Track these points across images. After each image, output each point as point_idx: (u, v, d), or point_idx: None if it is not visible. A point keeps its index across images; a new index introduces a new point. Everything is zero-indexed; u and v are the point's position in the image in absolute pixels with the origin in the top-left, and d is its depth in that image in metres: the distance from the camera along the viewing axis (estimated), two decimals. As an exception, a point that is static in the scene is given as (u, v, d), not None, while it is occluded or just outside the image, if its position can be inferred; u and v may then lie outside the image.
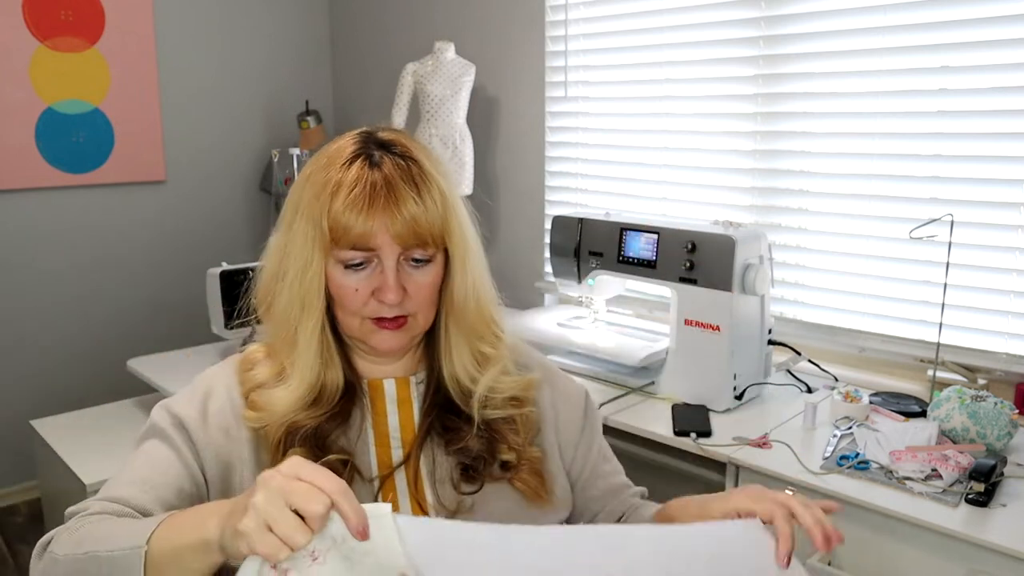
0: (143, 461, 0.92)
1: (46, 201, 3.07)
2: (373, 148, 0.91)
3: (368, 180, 0.87)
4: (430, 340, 1.00)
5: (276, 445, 0.91)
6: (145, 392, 2.25)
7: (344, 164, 0.89)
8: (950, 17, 1.86)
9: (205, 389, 0.97)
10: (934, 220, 1.79)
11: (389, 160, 0.89)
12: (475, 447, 0.95)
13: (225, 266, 2.21)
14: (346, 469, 0.91)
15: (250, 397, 0.94)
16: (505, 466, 0.96)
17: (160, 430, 0.94)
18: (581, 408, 1.07)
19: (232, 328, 2.20)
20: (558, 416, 1.04)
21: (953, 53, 1.86)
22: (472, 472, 0.94)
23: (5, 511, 3.09)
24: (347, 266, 0.89)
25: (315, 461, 0.86)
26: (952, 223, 1.75)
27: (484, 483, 0.94)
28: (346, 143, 0.92)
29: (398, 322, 0.92)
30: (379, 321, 0.92)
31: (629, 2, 2.48)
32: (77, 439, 2.02)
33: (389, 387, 0.98)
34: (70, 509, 0.89)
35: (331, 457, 0.90)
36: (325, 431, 0.92)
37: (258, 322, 0.99)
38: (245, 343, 2.24)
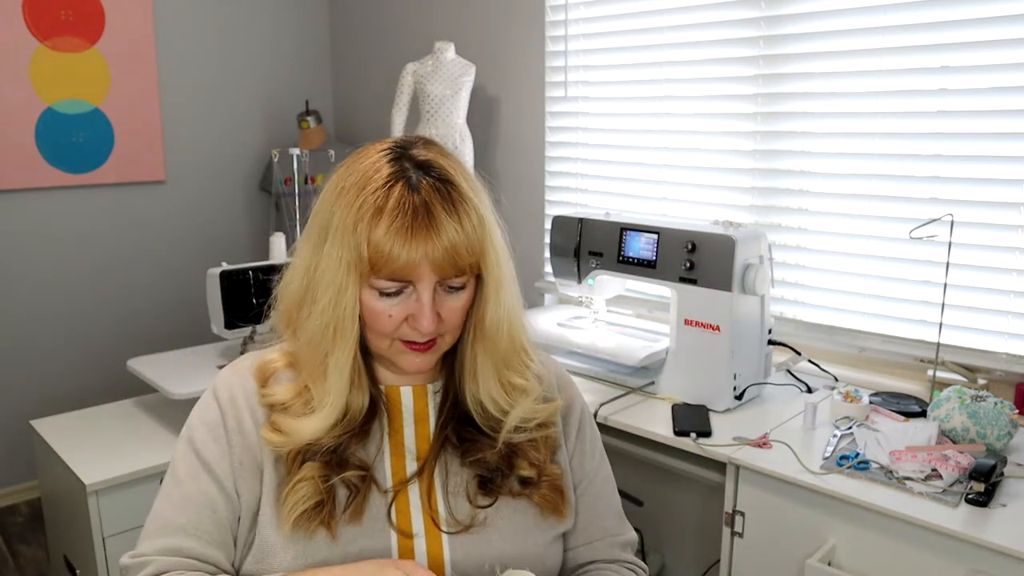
0: (184, 497, 0.91)
1: (46, 201, 3.07)
2: (410, 169, 0.87)
3: (409, 207, 0.84)
4: (450, 352, 0.98)
5: (293, 459, 0.90)
6: (145, 392, 2.25)
7: (383, 187, 0.85)
8: (950, 17, 1.86)
9: (227, 400, 0.94)
10: (934, 220, 1.79)
11: (427, 183, 0.86)
12: (493, 460, 0.95)
13: (225, 266, 2.20)
14: (364, 483, 0.91)
15: (273, 418, 0.92)
16: (524, 482, 0.96)
17: (193, 455, 0.93)
18: (576, 425, 1.07)
19: (232, 328, 2.20)
20: (567, 432, 1.06)
21: (953, 53, 1.86)
22: (490, 485, 0.94)
23: (5, 511, 3.09)
24: (382, 293, 0.87)
25: (333, 476, 0.89)
26: (952, 223, 1.75)
27: (499, 497, 0.95)
28: (380, 161, 0.88)
29: (428, 344, 0.91)
30: (409, 343, 0.91)
31: (629, 2, 2.48)
32: (77, 439, 2.02)
33: (407, 398, 0.98)
34: (126, 561, 0.89)
35: (349, 473, 0.90)
36: (344, 445, 0.92)
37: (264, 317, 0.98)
38: (246, 343, 2.24)
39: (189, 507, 0.90)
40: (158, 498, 0.94)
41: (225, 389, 0.95)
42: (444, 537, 0.92)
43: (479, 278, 0.92)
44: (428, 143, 0.92)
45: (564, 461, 1.03)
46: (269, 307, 0.97)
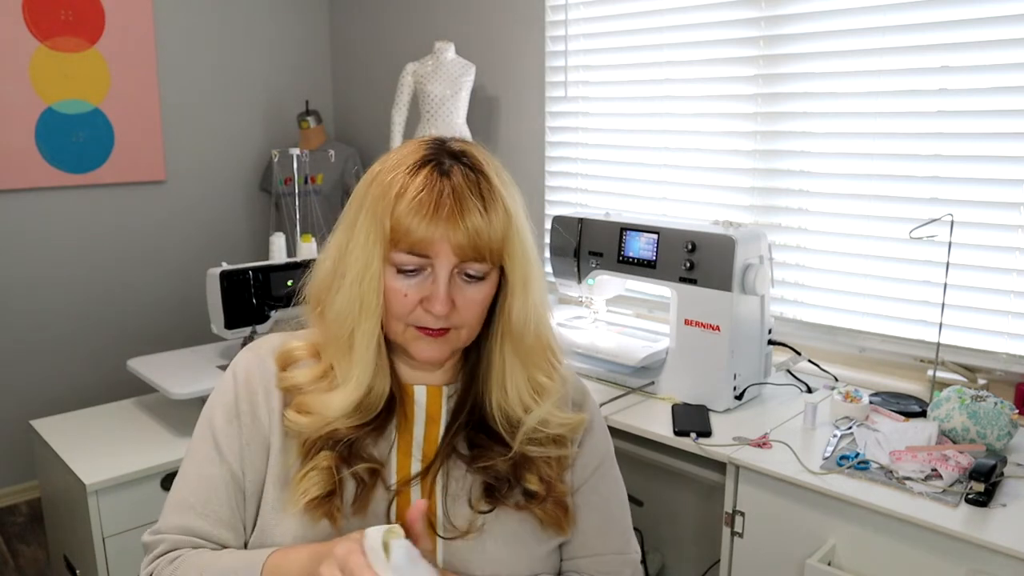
0: (198, 478, 0.94)
1: (46, 201, 3.07)
2: (444, 156, 0.90)
3: (436, 187, 0.87)
4: (472, 356, 0.98)
5: (308, 448, 0.91)
6: (145, 392, 2.25)
7: (413, 168, 0.88)
8: (950, 17, 1.86)
9: (243, 382, 0.96)
10: (934, 220, 1.79)
11: (459, 170, 0.88)
12: (503, 469, 0.95)
13: (225, 266, 2.20)
14: (372, 478, 0.91)
15: (297, 400, 0.93)
16: (530, 495, 0.95)
17: (209, 437, 0.95)
18: (599, 458, 1.04)
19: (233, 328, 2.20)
20: (583, 462, 1.03)
21: (953, 53, 1.86)
22: (494, 493, 0.94)
23: (5, 511, 3.09)
24: (400, 270, 0.89)
25: (345, 467, 0.90)
26: (952, 223, 1.75)
27: (501, 505, 0.94)
28: (417, 148, 0.92)
29: (441, 332, 0.91)
30: (422, 329, 0.91)
31: (629, 2, 2.48)
32: (77, 439, 2.02)
33: (420, 396, 0.97)
34: (146, 539, 0.95)
35: (361, 467, 0.91)
36: (359, 439, 0.92)
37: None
38: (246, 344, 2.24)
39: (202, 488, 0.93)
40: (179, 473, 0.97)
41: (243, 371, 0.97)
42: (439, 541, 0.92)
43: (504, 276, 0.93)
44: (466, 141, 0.95)
45: (571, 480, 1.02)
46: (300, 290, 0.99)
